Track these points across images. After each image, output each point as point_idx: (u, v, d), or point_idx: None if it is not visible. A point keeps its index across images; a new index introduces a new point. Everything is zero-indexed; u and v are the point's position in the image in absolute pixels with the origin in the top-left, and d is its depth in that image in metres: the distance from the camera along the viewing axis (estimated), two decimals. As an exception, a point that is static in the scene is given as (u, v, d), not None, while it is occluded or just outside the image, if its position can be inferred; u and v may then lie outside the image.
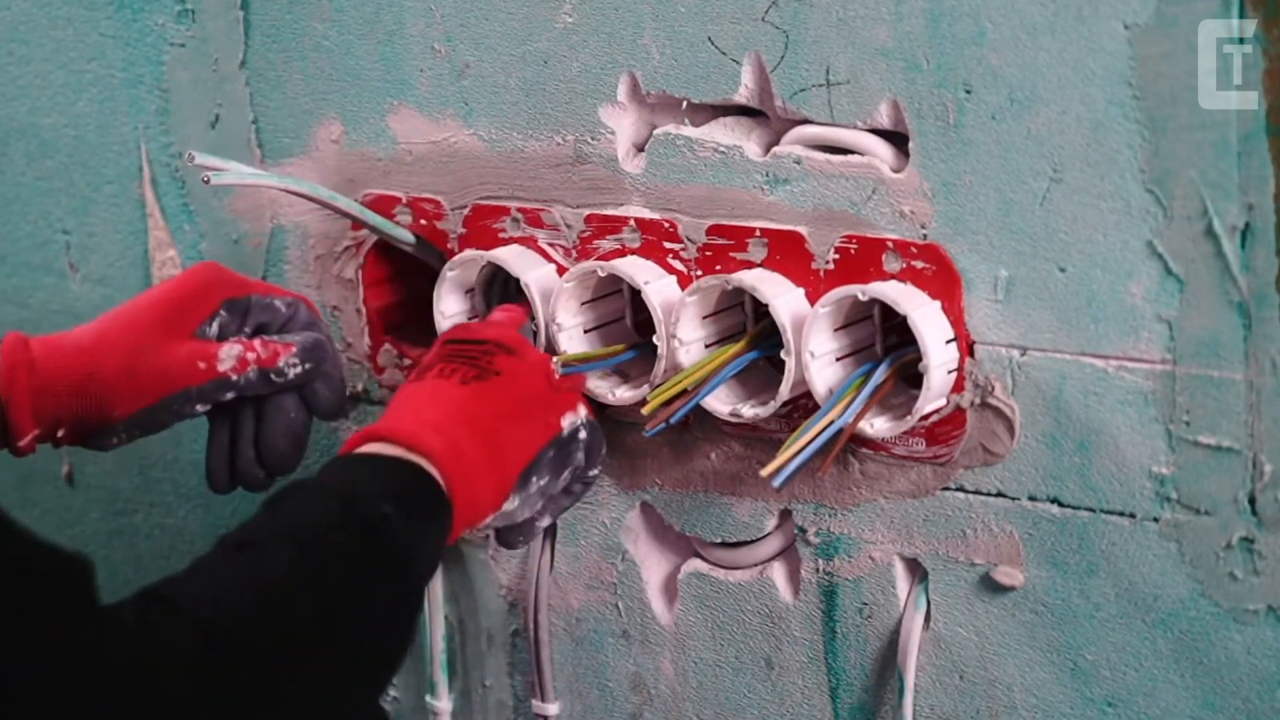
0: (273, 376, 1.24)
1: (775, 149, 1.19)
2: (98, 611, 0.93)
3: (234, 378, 1.23)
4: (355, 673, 1.03)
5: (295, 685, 0.99)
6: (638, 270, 1.22)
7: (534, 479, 1.17)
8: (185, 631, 0.95)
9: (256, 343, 1.24)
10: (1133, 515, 1.12)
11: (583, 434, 1.20)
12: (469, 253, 1.29)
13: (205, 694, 0.94)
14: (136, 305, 1.25)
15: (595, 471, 1.21)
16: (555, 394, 1.19)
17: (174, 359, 1.23)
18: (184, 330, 1.24)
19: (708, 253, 1.21)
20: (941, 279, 1.13)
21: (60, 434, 1.23)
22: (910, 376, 1.15)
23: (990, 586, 1.18)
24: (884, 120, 1.14)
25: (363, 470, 1.11)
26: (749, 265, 1.20)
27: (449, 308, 1.30)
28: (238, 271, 1.33)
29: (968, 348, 1.14)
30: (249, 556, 1.02)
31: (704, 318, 1.21)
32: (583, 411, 1.20)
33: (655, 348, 1.21)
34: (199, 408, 1.24)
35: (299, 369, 1.25)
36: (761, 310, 1.19)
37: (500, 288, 1.31)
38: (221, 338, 1.25)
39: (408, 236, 1.32)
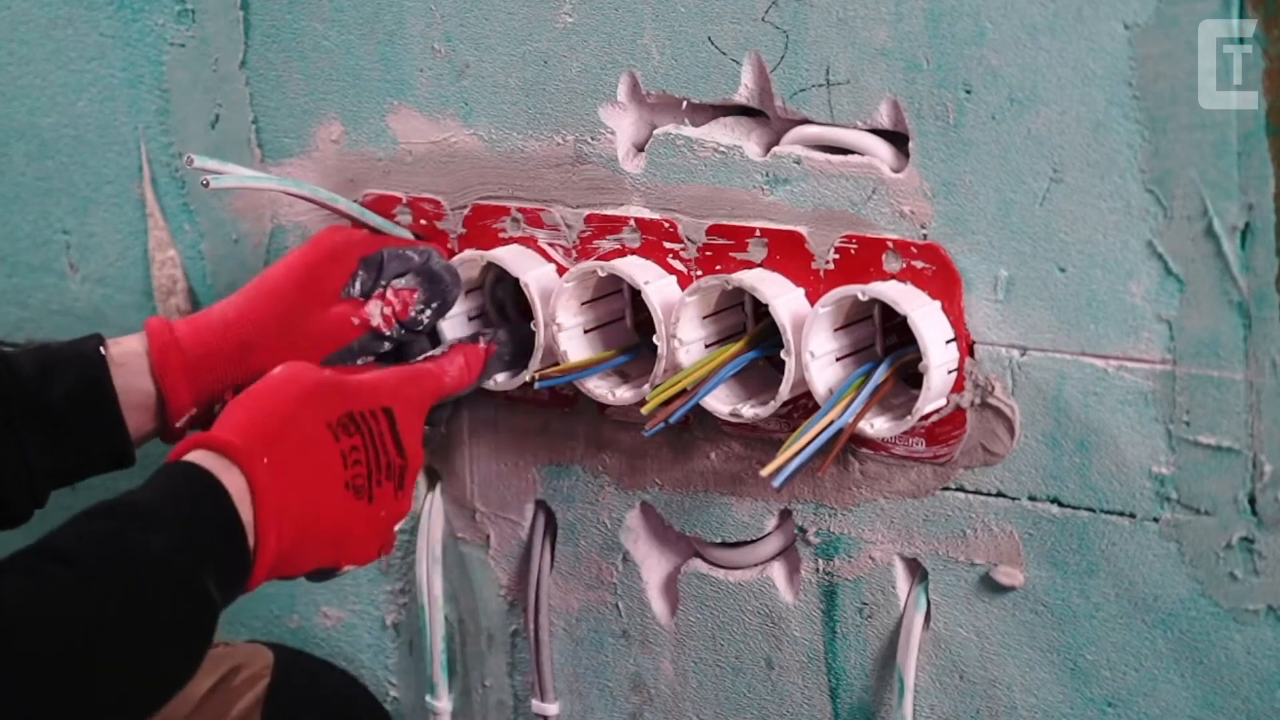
0: (412, 326, 1.27)
1: (775, 149, 1.19)
2: None
3: (387, 331, 1.26)
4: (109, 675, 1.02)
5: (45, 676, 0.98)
6: (638, 270, 1.22)
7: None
8: None
9: (389, 293, 1.26)
10: (1133, 515, 1.12)
11: (341, 574, 1.20)
12: (469, 252, 1.29)
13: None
14: (274, 275, 1.26)
15: None
16: (373, 547, 1.19)
17: (327, 319, 1.25)
18: (330, 294, 1.25)
19: (708, 253, 1.21)
20: (941, 279, 1.13)
21: (218, 408, 1.20)
22: (910, 376, 1.15)
23: (990, 586, 1.18)
24: (884, 120, 1.14)
25: (205, 524, 1.09)
26: (749, 265, 1.20)
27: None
28: (238, 271, 1.33)
29: (968, 348, 1.14)
30: (62, 571, 1.01)
31: (704, 318, 1.21)
32: (356, 565, 1.20)
33: (655, 347, 1.21)
34: (359, 361, 1.26)
35: (428, 311, 1.27)
36: (761, 310, 1.19)
37: (510, 287, 1.30)
38: (365, 296, 1.26)
39: (407, 235, 1.32)
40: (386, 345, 1.27)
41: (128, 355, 1.21)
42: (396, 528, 1.21)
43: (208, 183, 1.23)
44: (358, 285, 1.26)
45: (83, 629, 1.00)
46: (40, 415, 1.18)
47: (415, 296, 1.27)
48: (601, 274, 1.23)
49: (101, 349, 1.21)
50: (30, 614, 0.98)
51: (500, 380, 1.28)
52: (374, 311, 1.26)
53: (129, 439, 1.21)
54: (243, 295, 1.26)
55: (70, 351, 1.20)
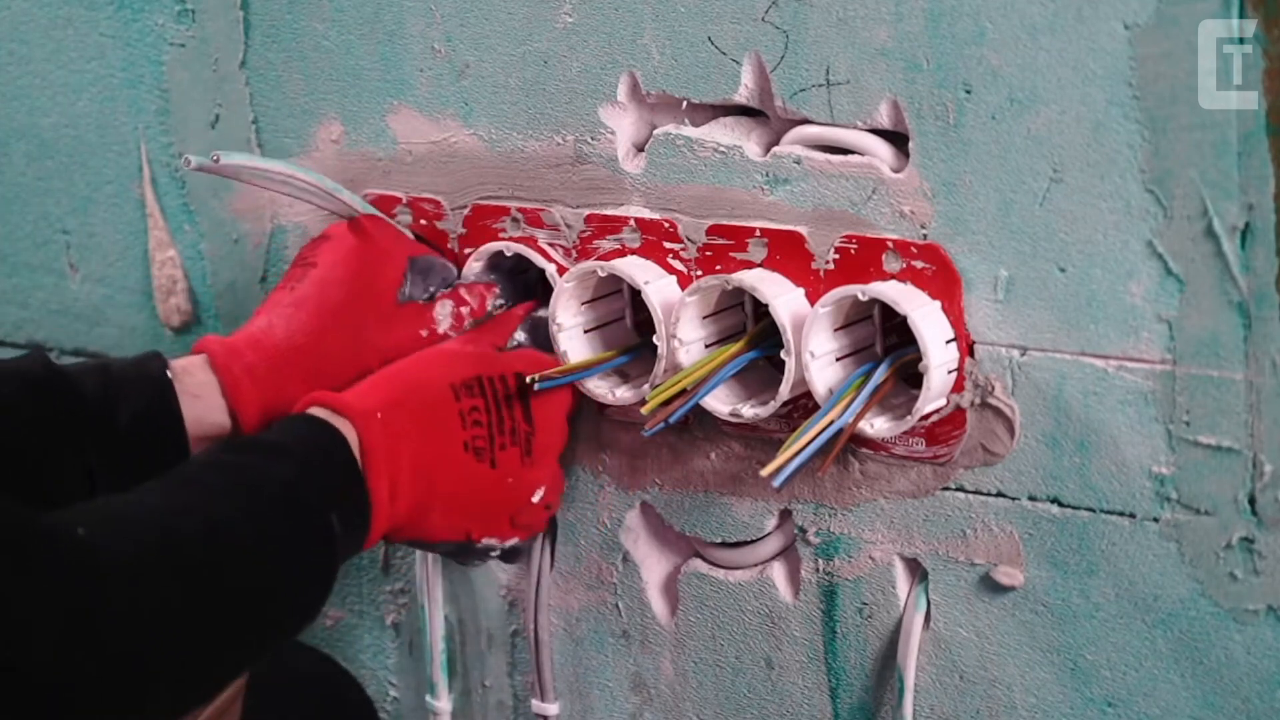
0: (481, 319, 1.27)
1: (775, 149, 1.19)
2: (29, 518, 0.93)
3: (454, 334, 1.26)
4: (250, 635, 1.04)
5: (198, 619, 0.99)
6: (638, 270, 1.22)
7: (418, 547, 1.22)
8: (129, 543, 0.96)
9: (462, 291, 1.27)
10: (1133, 515, 1.12)
11: (494, 553, 1.24)
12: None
13: (127, 595, 0.94)
14: (330, 287, 1.25)
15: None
16: (509, 519, 1.22)
17: (395, 336, 1.25)
18: (388, 301, 1.26)
19: (708, 253, 1.21)
20: (941, 279, 1.13)
21: None
22: (910, 376, 1.15)
23: (990, 586, 1.18)
24: (884, 120, 1.14)
25: (326, 463, 1.11)
26: (749, 265, 1.20)
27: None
28: (238, 271, 1.34)
29: (968, 348, 1.14)
30: (205, 496, 1.03)
31: (704, 318, 1.21)
32: (513, 541, 1.24)
33: (655, 347, 1.21)
34: None
35: (504, 305, 1.28)
36: (761, 310, 1.19)
37: (535, 279, 1.30)
38: (413, 298, 1.27)
39: (409, 236, 1.32)
40: None
41: (201, 387, 1.20)
42: (536, 498, 1.22)
43: (217, 158, 1.23)
44: (409, 288, 1.27)
45: (195, 543, 1.00)
46: (106, 439, 1.16)
47: (494, 291, 1.27)
48: (601, 274, 1.23)
49: (168, 373, 1.19)
50: (144, 526, 0.98)
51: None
52: (440, 315, 1.26)
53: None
54: (304, 313, 1.24)
55: (135, 374, 1.19)
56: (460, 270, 1.30)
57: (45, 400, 1.15)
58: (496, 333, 1.27)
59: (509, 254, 1.28)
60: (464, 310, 1.27)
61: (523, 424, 1.21)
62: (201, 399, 1.20)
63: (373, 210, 1.31)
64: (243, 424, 1.20)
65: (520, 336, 1.27)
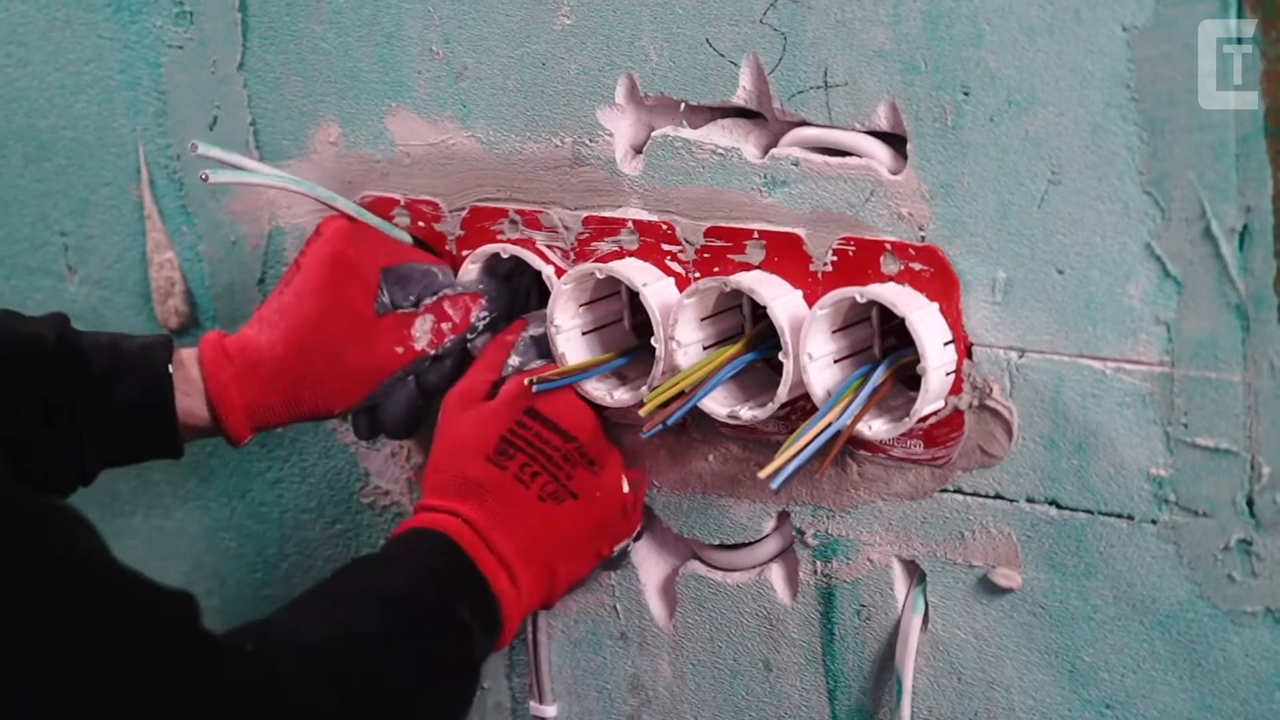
0: (468, 336, 1.29)
1: (773, 151, 1.19)
2: (209, 639, 0.98)
3: (432, 351, 1.28)
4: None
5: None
6: (636, 272, 1.22)
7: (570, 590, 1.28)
8: (293, 658, 1.02)
9: (445, 305, 1.27)
10: (1131, 517, 1.12)
11: (629, 552, 1.30)
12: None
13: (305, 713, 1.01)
14: (306, 302, 1.27)
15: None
16: (622, 520, 1.26)
17: (373, 351, 1.27)
18: (363, 315, 1.27)
19: (706, 255, 1.21)
20: (940, 281, 1.13)
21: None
22: (908, 378, 1.15)
23: (988, 588, 1.18)
24: (882, 122, 1.14)
25: (441, 563, 1.17)
26: (747, 267, 1.20)
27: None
28: (236, 273, 1.33)
29: (966, 350, 1.14)
30: (345, 611, 1.10)
31: (702, 320, 1.21)
32: (636, 530, 1.29)
33: (653, 349, 1.21)
34: (409, 380, 1.29)
35: (488, 317, 1.29)
36: (760, 312, 1.19)
37: (530, 281, 1.30)
38: (396, 306, 1.28)
39: (405, 237, 1.32)
40: (430, 364, 1.29)
41: (192, 385, 1.26)
42: (626, 488, 1.26)
43: (206, 177, 1.24)
44: (386, 298, 1.27)
45: (347, 650, 1.07)
46: (103, 416, 1.24)
47: (480, 302, 1.28)
48: (600, 276, 1.23)
49: (170, 366, 1.25)
50: (302, 640, 1.06)
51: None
52: (419, 333, 1.27)
53: (181, 444, 1.27)
54: (284, 324, 1.27)
55: (141, 360, 1.25)
56: (455, 272, 1.30)
57: (50, 377, 1.22)
58: (491, 367, 1.27)
59: (505, 256, 1.28)
60: (445, 326, 1.27)
61: (566, 444, 1.23)
62: (191, 397, 1.26)
63: (356, 211, 1.31)
64: (226, 425, 1.26)
65: (514, 361, 1.27)
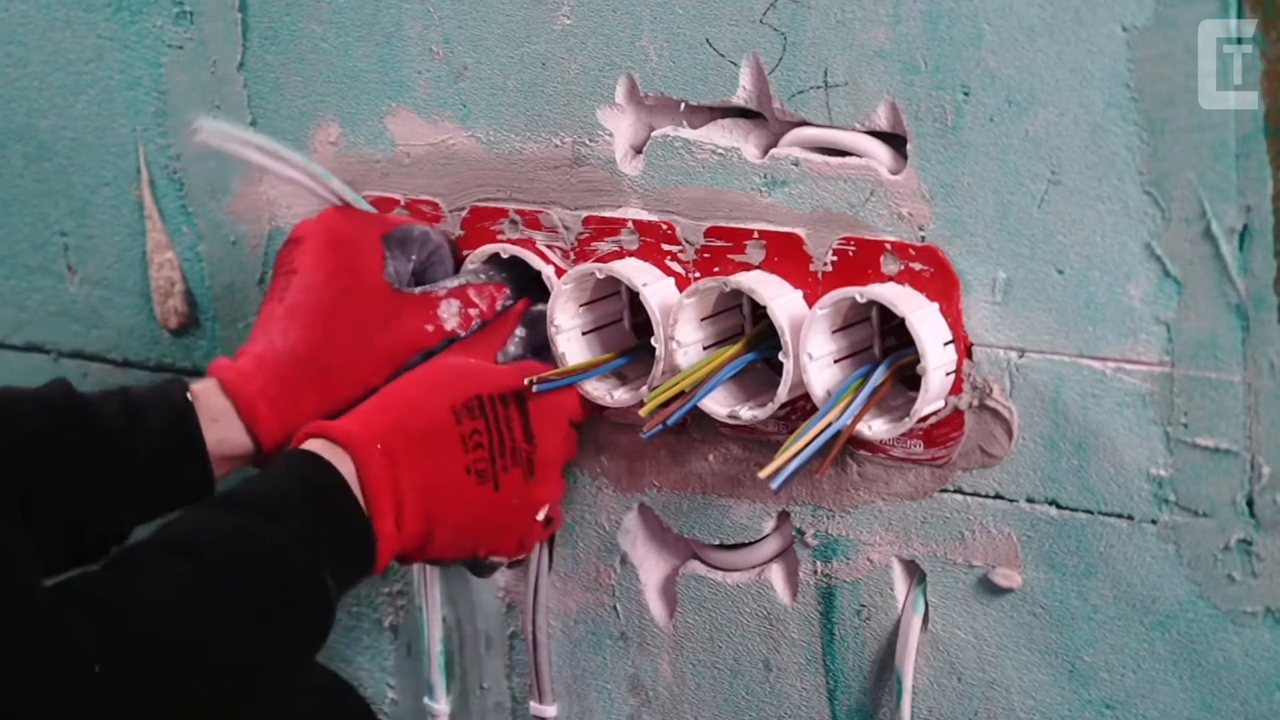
0: (489, 320, 1.27)
1: (773, 151, 1.19)
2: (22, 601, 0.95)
3: (462, 333, 1.26)
4: (251, 670, 1.07)
5: (192, 683, 1.02)
6: (636, 272, 1.22)
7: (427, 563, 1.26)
8: (96, 620, 0.98)
9: (470, 292, 1.26)
10: (1131, 517, 1.12)
11: (502, 564, 1.25)
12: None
13: (113, 682, 0.97)
14: (316, 291, 1.24)
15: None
16: (515, 537, 1.23)
17: (399, 329, 1.25)
18: (380, 287, 1.25)
19: (706, 255, 1.21)
20: (940, 281, 1.13)
21: None
22: (908, 378, 1.15)
23: (988, 588, 1.18)
24: (882, 122, 1.14)
25: (326, 512, 1.13)
26: (747, 267, 1.20)
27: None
28: (236, 273, 1.33)
29: (966, 350, 1.14)
30: (186, 565, 1.04)
31: (702, 319, 1.21)
32: (515, 559, 1.25)
33: (653, 349, 1.21)
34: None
35: (510, 304, 1.28)
36: (760, 312, 1.19)
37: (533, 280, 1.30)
38: (399, 277, 1.26)
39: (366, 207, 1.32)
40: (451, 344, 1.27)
41: (218, 412, 1.21)
42: (541, 516, 1.23)
43: (198, 130, 1.23)
44: (392, 265, 1.26)
45: (205, 623, 1.03)
46: (131, 468, 1.18)
47: (504, 292, 1.28)
48: (600, 276, 1.23)
49: (188, 396, 1.20)
50: (155, 607, 1.01)
51: None
52: (447, 314, 1.26)
53: (214, 484, 1.22)
54: (299, 322, 1.24)
55: (156, 399, 1.20)
56: (449, 244, 1.29)
57: (68, 429, 1.17)
58: (494, 336, 1.27)
59: (505, 255, 1.28)
60: (472, 311, 1.26)
61: (523, 443, 1.21)
62: (219, 423, 1.21)
63: (348, 193, 1.31)
64: (263, 444, 1.21)
65: (519, 332, 1.27)
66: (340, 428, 1.16)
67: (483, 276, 1.28)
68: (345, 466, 1.14)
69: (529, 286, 1.30)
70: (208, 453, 1.20)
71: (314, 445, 1.15)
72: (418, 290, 1.26)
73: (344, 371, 1.23)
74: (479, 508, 1.19)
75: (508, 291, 1.28)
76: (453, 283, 1.27)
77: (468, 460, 1.18)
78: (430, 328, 1.26)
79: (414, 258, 1.27)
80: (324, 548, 1.11)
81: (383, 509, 1.14)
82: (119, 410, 1.18)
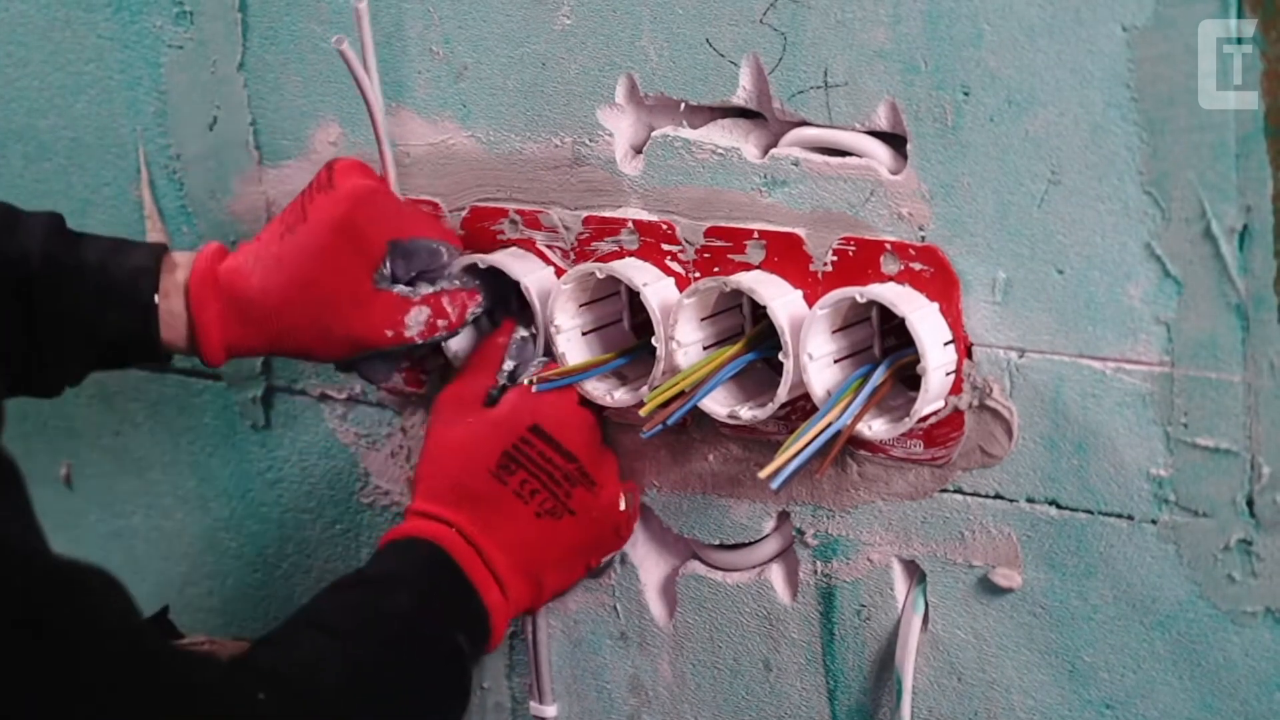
0: (457, 332, 1.29)
1: (773, 151, 1.19)
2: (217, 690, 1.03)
3: (420, 342, 1.27)
4: None
5: None
6: (636, 272, 1.22)
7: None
8: (267, 690, 1.05)
9: (444, 300, 1.26)
10: (1131, 517, 1.12)
11: (616, 562, 1.32)
12: (468, 257, 1.29)
13: None
14: (307, 258, 1.26)
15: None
16: (614, 536, 1.28)
17: (363, 326, 1.26)
18: (363, 285, 1.25)
19: (706, 255, 1.21)
20: (940, 281, 1.13)
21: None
22: (908, 378, 1.15)
23: (988, 588, 1.18)
24: (882, 122, 1.14)
25: (436, 583, 1.20)
26: (747, 267, 1.19)
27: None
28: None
29: (966, 350, 1.14)
30: (333, 640, 1.12)
31: (702, 319, 1.21)
32: (625, 545, 1.31)
33: (653, 350, 1.21)
34: (390, 355, 1.30)
35: (480, 310, 1.29)
36: (760, 312, 1.19)
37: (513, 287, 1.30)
38: (395, 279, 1.27)
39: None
40: (411, 352, 1.30)
41: (174, 317, 1.27)
42: (622, 507, 1.27)
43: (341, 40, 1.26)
44: (388, 269, 1.26)
45: (352, 691, 1.11)
46: (87, 342, 1.27)
47: (476, 299, 1.28)
48: (600, 276, 1.23)
49: (156, 297, 1.26)
50: (309, 682, 1.09)
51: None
52: (412, 322, 1.26)
53: (165, 361, 1.31)
54: (281, 274, 1.26)
55: (128, 290, 1.26)
56: (457, 253, 1.29)
57: (35, 305, 1.25)
58: (486, 371, 1.26)
59: (483, 266, 1.27)
60: (440, 322, 1.26)
61: (568, 465, 1.24)
62: (173, 329, 1.27)
63: (388, 167, 1.31)
64: (202, 353, 1.27)
65: (509, 366, 1.26)
66: (425, 526, 1.22)
67: (457, 283, 1.27)
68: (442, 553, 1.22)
69: (508, 295, 1.29)
70: (160, 345, 1.28)
71: (412, 538, 1.22)
72: (395, 289, 1.26)
73: (296, 336, 1.26)
74: (566, 539, 1.24)
75: (479, 299, 1.27)
76: (428, 289, 1.26)
77: (534, 508, 1.23)
78: (390, 333, 1.26)
79: (413, 273, 1.27)
80: (448, 611, 1.19)
81: (486, 583, 1.21)
82: (90, 294, 1.26)
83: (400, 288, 1.26)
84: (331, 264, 1.25)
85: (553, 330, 1.24)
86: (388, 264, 1.25)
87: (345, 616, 1.16)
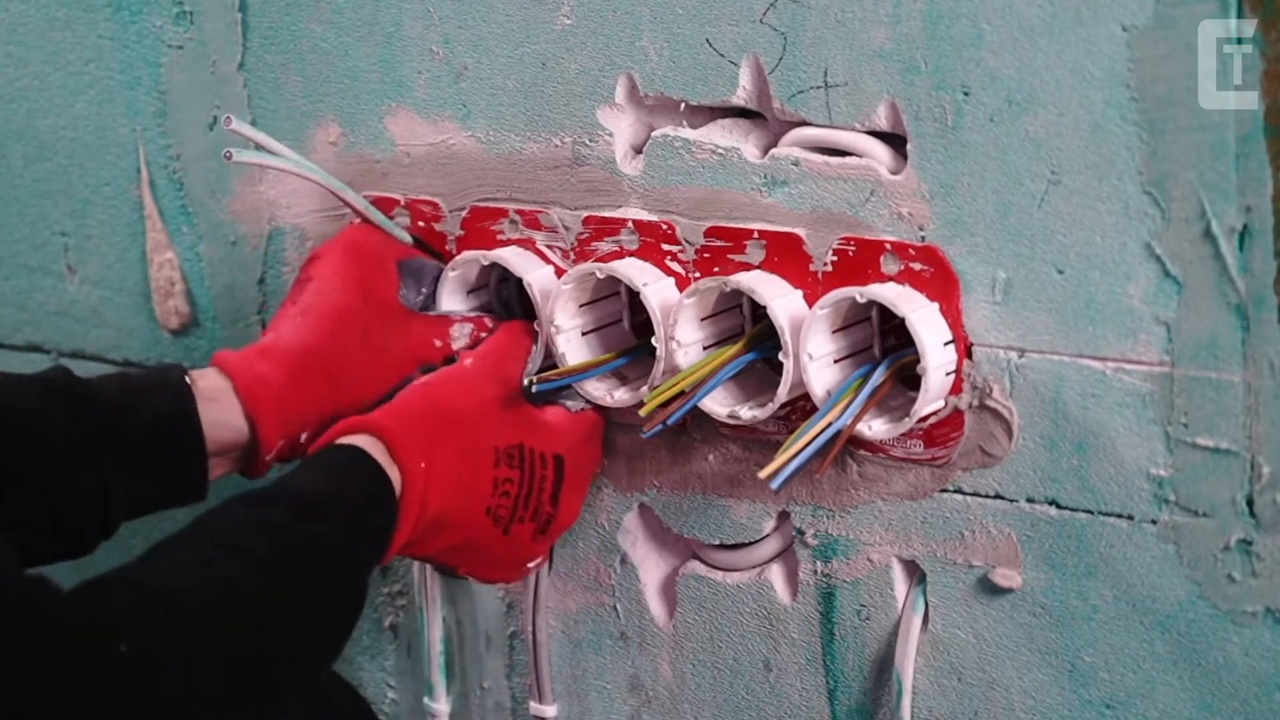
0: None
1: (773, 151, 1.19)
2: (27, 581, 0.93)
3: (466, 354, 1.25)
4: (286, 664, 1.03)
5: (225, 669, 0.99)
6: (636, 272, 1.22)
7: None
8: (128, 598, 0.95)
9: (486, 319, 1.27)
10: (1131, 517, 1.12)
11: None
12: (469, 253, 1.29)
13: (140, 661, 0.94)
14: (333, 293, 1.24)
15: None
16: (515, 573, 1.27)
17: (407, 342, 1.25)
18: (392, 305, 1.26)
19: (706, 255, 1.21)
20: (940, 281, 1.13)
21: (304, 438, 1.22)
22: (908, 378, 1.15)
23: (988, 588, 1.18)
24: (882, 122, 1.14)
25: (375, 509, 1.13)
26: (747, 267, 1.20)
27: (450, 307, 1.30)
28: (236, 273, 1.33)
29: (966, 350, 1.14)
30: (243, 565, 1.02)
31: (702, 319, 1.21)
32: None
33: (653, 349, 1.21)
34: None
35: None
36: (760, 312, 1.19)
37: (514, 288, 1.30)
38: (408, 302, 1.27)
39: (405, 237, 1.32)
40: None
41: (216, 391, 1.18)
42: (531, 565, 1.27)
43: (230, 155, 1.22)
44: (404, 290, 1.27)
45: (237, 605, 1.00)
46: (123, 446, 1.15)
47: (485, 326, 1.28)
48: (600, 276, 1.23)
49: (187, 378, 1.18)
50: (187, 590, 0.98)
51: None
52: (458, 334, 1.26)
53: (208, 474, 1.18)
54: (311, 318, 1.24)
55: (155, 380, 1.18)
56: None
57: (63, 405, 1.14)
58: (518, 360, 1.26)
59: (486, 263, 1.27)
60: (484, 336, 1.27)
61: (548, 507, 1.23)
62: (217, 402, 1.18)
63: (365, 207, 1.31)
64: (260, 430, 1.19)
65: (532, 366, 1.26)
66: (392, 435, 1.15)
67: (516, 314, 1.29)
68: (390, 471, 1.14)
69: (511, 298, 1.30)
70: (203, 434, 1.17)
71: (361, 440, 1.15)
72: (433, 313, 1.27)
73: (349, 371, 1.23)
74: (482, 541, 1.22)
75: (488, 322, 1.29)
76: (470, 312, 1.28)
77: (491, 502, 1.20)
78: (439, 343, 1.26)
79: (424, 290, 1.28)
80: (370, 546, 1.12)
81: (405, 524, 1.14)
82: (117, 392, 1.16)
83: (436, 311, 1.27)
84: (360, 289, 1.25)
85: (552, 330, 1.24)
86: (402, 284, 1.26)
87: (262, 537, 1.05)
